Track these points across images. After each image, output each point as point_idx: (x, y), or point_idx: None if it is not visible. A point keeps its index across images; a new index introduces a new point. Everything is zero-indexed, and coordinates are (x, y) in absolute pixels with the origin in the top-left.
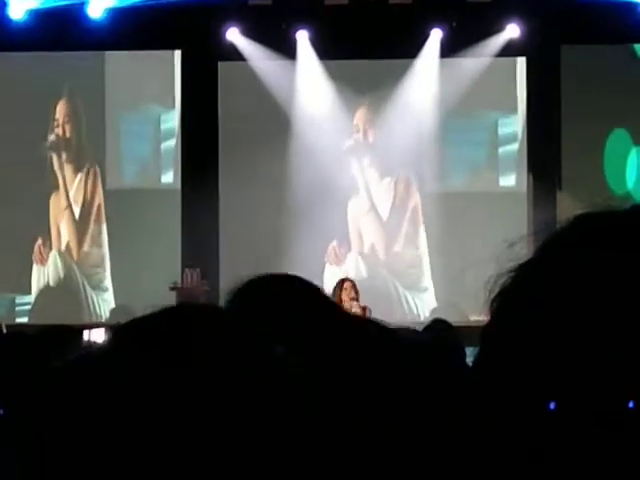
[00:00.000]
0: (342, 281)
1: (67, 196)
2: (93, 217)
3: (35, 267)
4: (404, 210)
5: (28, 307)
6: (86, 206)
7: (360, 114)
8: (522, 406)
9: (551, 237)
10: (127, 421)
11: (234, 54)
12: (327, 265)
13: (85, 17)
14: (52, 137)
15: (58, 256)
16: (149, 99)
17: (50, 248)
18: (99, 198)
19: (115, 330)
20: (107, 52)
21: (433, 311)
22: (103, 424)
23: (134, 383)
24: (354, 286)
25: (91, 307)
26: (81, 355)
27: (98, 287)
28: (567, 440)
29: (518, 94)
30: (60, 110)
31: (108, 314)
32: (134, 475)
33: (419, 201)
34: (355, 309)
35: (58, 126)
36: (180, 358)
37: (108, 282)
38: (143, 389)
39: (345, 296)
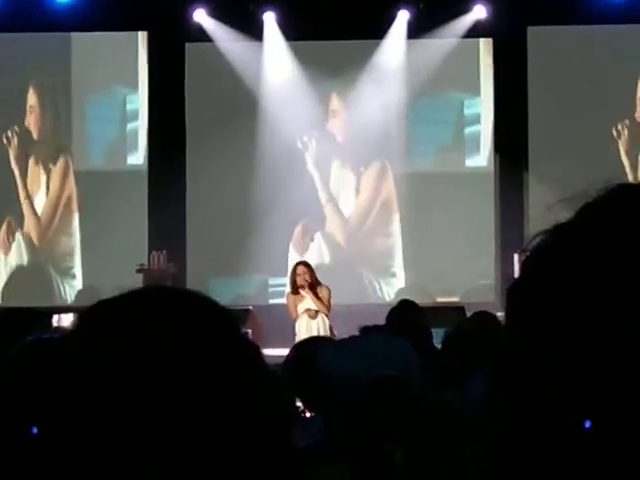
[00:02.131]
0: (295, 265)
1: (25, 187)
2: (61, 208)
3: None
4: (374, 199)
5: None
6: (53, 197)
7: (338, 93)
8: (553, 419)
9: (589, 204)
10: (89, 407)
11: (201, 35)
12: (291, 249)
13: None
14: (16, 127)
15: (22, 241)
16: (116, 81)
17: (15, 232)
18: (70, 188)
19: (82, 313)
20: (73, 33)
21: (399, 292)
22: (65, 409)
23: (99, 367)
24: (308, 269)
25: (58, 290)
26: (39, 339)
27: (66, 270)
28: (605, 462)
29: (485, 75)
30: (29, 97)
31: (74, 296)
32: (96, 463)
33: (393, 190)
34: (306, 293)
35: (26, 114)
36: (146, 340)
37: (76, 265)
38: (109, 373)
39: (298, 280)
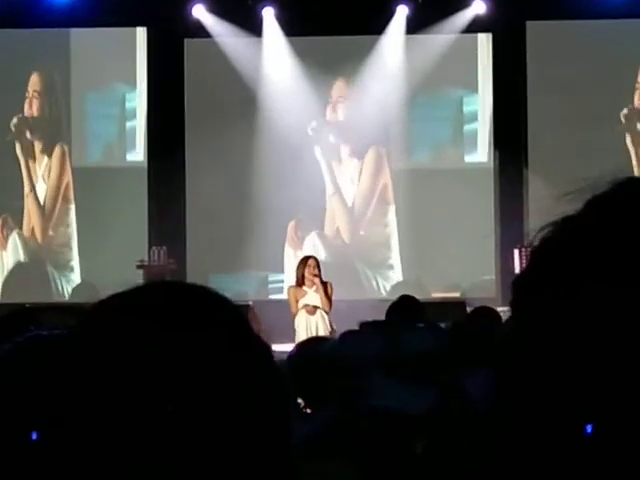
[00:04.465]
0: (306, 258)
1: (30, 180)
2: (61, 197)
3: None
4: (373, 189)
5: None
6: (53, 186)
7: (338, 87)
8: (554, 420)
9: (597, 197)
10: (104, 406)
11: (200, 31)
12: (286, 245)
13: None
14: (18, 117)
15: (18, 237)
16: (115, 77)
17: (12, 228)
18: (67, 177)
19: (90, 307)
20: (72, 29)
21: (398, 287)
22: (74, 407)
23: (109, 365)
24: (317, 264)
25: (56, 286)
26: (39, 335)
27: (65, 266)
28: (606, 468)
29: (484, 70)
30: (31, 86)
31: (72, 292)
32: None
33: (389, 179)
34: (316, 285)
35: (27, 104)
36: (159, 337)
37: (75, 261)
38: (119, 371)
39: (308, 273)
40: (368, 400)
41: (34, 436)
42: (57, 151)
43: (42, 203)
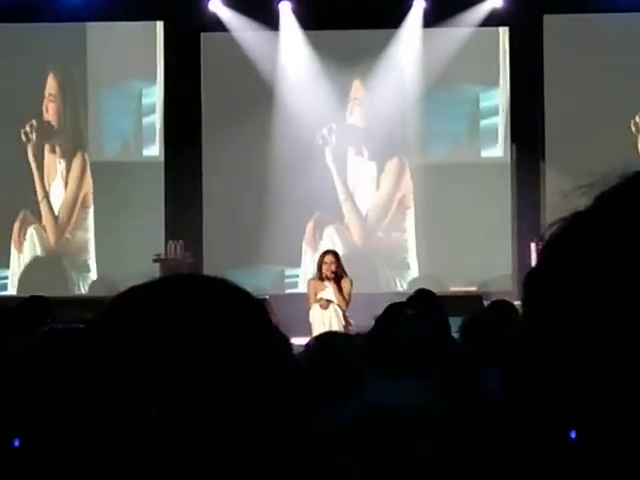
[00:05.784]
0: (324, 253)
1: (43, 183)
2: (78, 206)
3: (14, 243)
4: (392, 197)
5: (6, 281)
6: (71, 196)
7: (355, 83)
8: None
9: (606, 191)
10: (125, 401)
11: (217, 25)
12: (304, 242)
13: None
14: (34, 121)
15: (35, 232)
16: (131, 71)
17: (31, 223)
18: (87, 186)
19: (109, 300)
20: (88, 24)
21: (415, 282)
22: (98, 400)
23: (127, 354)
24: (336, 259)
25: (73, 280)
26: (54, 329)
27: (82, 261)
28: (589, 476)
29: (501, 64)
30: (49, 87)
31: (89, 286)
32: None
33: (411, 187)
34: (327, 282)
35: (45, 105)
36: (174, 328)
37: (92, 256)
38: (135, 361)
39: (324, 269)
40: (365, 396)
41: (16, 443)
42: (79, 158)
43: (58, 210)
